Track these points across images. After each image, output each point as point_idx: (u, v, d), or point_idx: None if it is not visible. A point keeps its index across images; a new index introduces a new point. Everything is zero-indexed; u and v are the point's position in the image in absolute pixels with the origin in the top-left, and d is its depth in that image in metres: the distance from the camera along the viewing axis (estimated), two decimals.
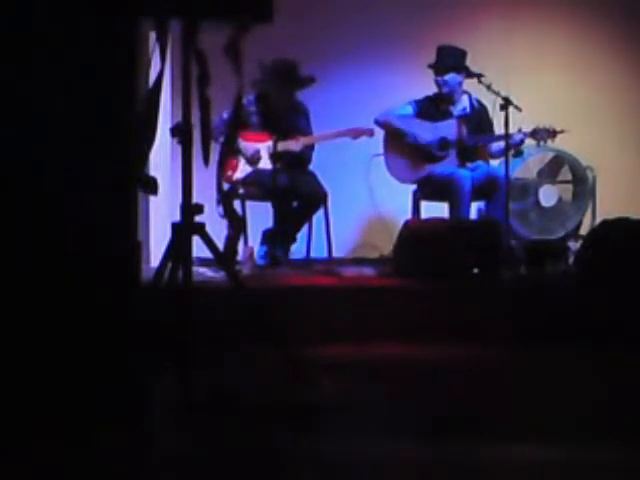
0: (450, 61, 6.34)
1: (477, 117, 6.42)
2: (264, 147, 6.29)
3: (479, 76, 6.08)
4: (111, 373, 3.14)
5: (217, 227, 3.74)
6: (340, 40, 6.90)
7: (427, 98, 6.49)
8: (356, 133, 6.31)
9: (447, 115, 6.43)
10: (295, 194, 6.21)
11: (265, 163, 6.29)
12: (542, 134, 6.14)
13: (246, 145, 6.27)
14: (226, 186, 6.19)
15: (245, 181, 6.30)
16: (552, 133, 6.13)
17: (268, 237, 6.28)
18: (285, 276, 5.82)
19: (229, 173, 6.25)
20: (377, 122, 6.43)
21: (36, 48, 3.11)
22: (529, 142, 6.35)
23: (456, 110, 6.44)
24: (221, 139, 5.22)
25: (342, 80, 6.95)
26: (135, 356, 3.20)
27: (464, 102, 6.46)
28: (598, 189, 6.76)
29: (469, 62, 6.31)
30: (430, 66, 6.37)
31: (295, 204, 6.27)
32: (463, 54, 6.36)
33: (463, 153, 6.38)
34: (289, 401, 3.56)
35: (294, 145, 6.28)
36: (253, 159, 6.27)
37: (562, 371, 4.33)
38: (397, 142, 6.43)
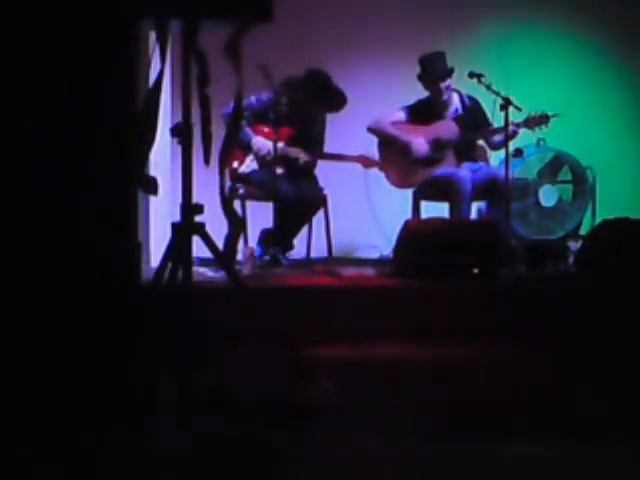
0: (436, 70, 6.30)
1: (471, 115, 6.42)
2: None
3: (479, 76, 6.07)
4: (111, 373, 3.14)
5: (217, 227, 3.73)
6: (339, 41, 6.89)
7: (419, 102, 6.47)
8: (367, 163, 6.30)
9: (441, 118, 6.41)
10: (296, 200, 6.19)
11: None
12: (535, 120, 6.16)
13: (261, 143, 6.25)
14: (227, 183, 6.18)
15: (248, 178, 6.29)
16: (545, 118, 6.15)
17: (265, 238, 6.28)
18: (285, 276, 5.82)
19: (235, 165, 6.25)
20: (370, 129, 6.42)
21: (36, 48, 3.11)
22: (529, 140, 6.36)
23: (449, 112, 6.43)
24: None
25: (341, 81, 6.94)
26: (135, 356, 3.20)
27: (455, 103, 6.44)
28: (598, 189, 6.76)
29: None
30: (420, 78, 6.34)
31: (295, 210, 6.25)
32: (444, 56, 6.32)
33: (460, 152, 6.38)
34: (289, 401, 3.56)
35: (302, 155, 6.25)
36: (264, 159, 6.25)
37: (562, 371, 4.33)
38: (392, 149, 6.41)
